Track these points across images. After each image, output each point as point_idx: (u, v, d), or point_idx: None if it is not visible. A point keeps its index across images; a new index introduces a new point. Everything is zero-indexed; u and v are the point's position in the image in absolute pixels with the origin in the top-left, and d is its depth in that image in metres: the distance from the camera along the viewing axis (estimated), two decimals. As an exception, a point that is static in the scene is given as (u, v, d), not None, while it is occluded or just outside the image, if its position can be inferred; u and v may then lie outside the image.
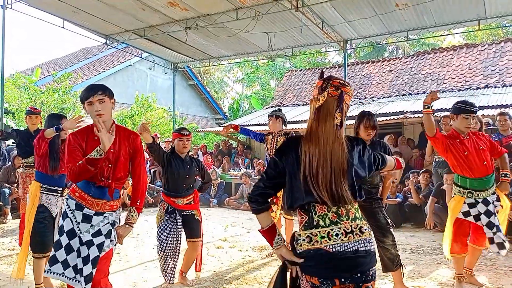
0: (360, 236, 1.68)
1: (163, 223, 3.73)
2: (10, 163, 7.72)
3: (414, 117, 8.53)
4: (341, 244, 1.64)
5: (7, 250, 5.18)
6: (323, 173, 1.65)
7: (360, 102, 12.26)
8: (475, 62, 11.95)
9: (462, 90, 10.95)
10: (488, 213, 3.48)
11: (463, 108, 3.46)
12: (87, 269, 2.38)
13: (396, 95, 12.10)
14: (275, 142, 4.94)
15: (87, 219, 2.45)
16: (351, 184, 1.69)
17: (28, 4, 8.24)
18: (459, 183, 3.59)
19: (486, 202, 3.50)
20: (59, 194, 3.52)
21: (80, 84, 13.57)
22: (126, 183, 8.12)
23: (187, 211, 3.81)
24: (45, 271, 2.46)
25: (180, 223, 3.75)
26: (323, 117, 1.70)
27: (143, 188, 2.62)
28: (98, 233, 2.45)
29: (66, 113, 11.93)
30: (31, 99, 11.41)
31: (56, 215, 3.48)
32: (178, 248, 3.76)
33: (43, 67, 20.85)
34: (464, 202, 3.54)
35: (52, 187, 3.48)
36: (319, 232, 1.67)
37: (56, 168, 3.47)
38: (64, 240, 2.43)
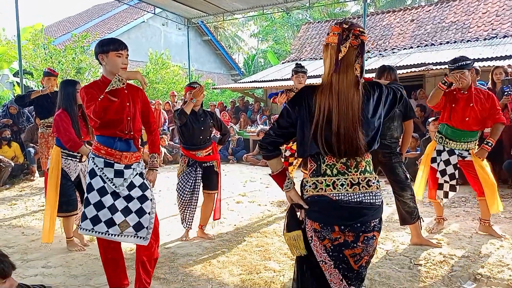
0: (366, 188, 1.70)
1: (184, 176, 3.88)
2: (33, 122, 7.91)
3: (437, 68, 8.23)
4: (346, 194, 1.68)
5: (37, 206, 5.45)
6: (339, 126, 1.63)
7: (380, 54, 11.86)
8: (503, 9, 11.26)
9: (488, 39, 10.42)
10: (447, 162, 3.81)
11: (452, 67, 3.53)
12: (132, 220, 2.52)
13: (418, 46, 11.62)
14: None
15: (119, 173, 2.55)
16: (367, 135, 1.68)
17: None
18: (438, 129, 3.94)
19: (451, 153, 3.76)
20: (77, 160, 3.60)
21: (95, 42, 13.45)
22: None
23: (207, 163, 3.94)
24: (78, 228, 2.60)
25: (200, 175, 3.90)
26: (344, 69, 1.65)
27: (158, 135, 2.82)
28: (131, 185, 2.57)
29: (83, 72, 11.94)
30: (50, 58, 11.41)
31: (75, 179, 3.60)
32: (196, 197, 3.93)
33: (56, 25, 20.73)
34: (435, 149, 3.85)
35: (71, 153, 3.55)
36: (325, 180, 1.70)
37: (80, 135, 3.50)
38: (93, 197, 2.51)
